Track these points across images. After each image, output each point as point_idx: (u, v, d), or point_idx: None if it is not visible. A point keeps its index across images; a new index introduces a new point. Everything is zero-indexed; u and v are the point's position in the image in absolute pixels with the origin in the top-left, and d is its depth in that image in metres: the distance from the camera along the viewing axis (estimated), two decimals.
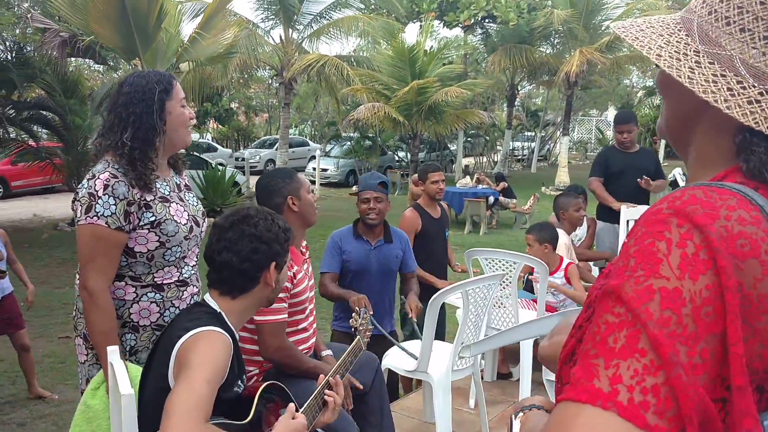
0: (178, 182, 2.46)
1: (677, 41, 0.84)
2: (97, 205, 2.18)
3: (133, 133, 2.25)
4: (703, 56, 0.81)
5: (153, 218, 2.26)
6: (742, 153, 0.80)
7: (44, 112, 11.63)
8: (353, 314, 2.75)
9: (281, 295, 2.56)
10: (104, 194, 2.19)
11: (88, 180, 2.23)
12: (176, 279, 2.34)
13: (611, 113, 35.34)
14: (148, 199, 2.26)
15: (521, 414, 1.05)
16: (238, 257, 1.91)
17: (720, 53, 0.80)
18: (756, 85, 0.77)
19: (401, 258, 3.90)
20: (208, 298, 1.95)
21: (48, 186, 16.01)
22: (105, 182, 2.20)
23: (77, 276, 2.34)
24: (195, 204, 2.50)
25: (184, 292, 2.37)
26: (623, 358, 0.67)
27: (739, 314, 0.68)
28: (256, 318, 2.51)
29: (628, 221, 5.29)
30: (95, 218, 2.17)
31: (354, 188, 19.65)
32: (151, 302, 2.29)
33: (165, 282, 2.31)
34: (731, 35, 0.80)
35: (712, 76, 0.79)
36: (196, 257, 2.46)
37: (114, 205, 2.19)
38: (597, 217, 5.74)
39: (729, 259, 0.69)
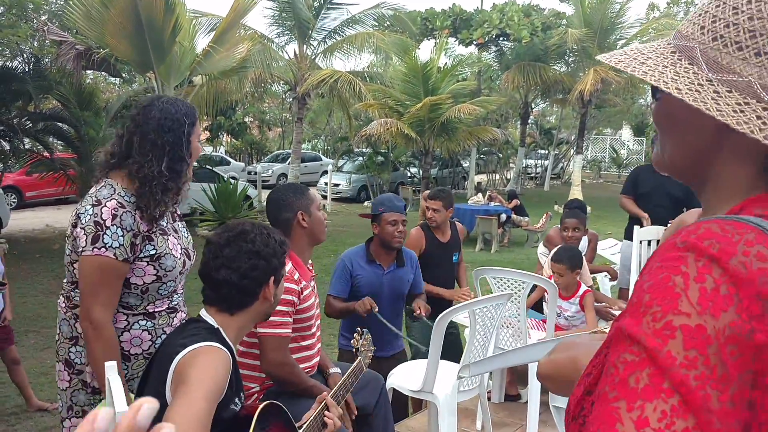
0: (171, 211, 2.41)
1: (684, 71, 0.79)
2: (104, 236, 2.11)
3: (168, 163, 2.20)
4: (718, 85, 0.76)
5: (154, 251, 2.21)
6: None
7: (59, 124, 11.74)
8: (354, 334, 2.71)
9: (287, 309, 2.52)
10: (112, 224, 2.12)
11: (93, 206, 2.15)
12: (167, 307, 2.31)
13: (626, 132, 35.23)
14: (150, 231, 2.21)
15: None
16: (237, 274, 1.88)
17: (736, 80, 0.75)
18: None
19: (412, 281, 3.84)
20: (204, 314, 1.92)
21: (61, 197, 16.10)
22: (113, 212, 2.13)
23: (62, 299, 2.31)
24: (186, 235, 2.45)
25: (174, 318, 2.33)
26: (648, 399, 0.62)
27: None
28: (260, 330, 2.48)
29: (641, 241, 5.24)
30: (103, 249, 2.11)
31: (365, 206, 19.64)
32: (143, 330, 2.25)
33: (156, 310, 2.27)
34: (746, 60, 0.75)
35: (735, 105, 0.74)
36: (183, 286, 2.43)
37: (122, 236, 2.13)
38: (625, 236, 5.82)
39: (754, 298, 0.64)
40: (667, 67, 0.81)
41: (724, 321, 0.63)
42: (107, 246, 2.11)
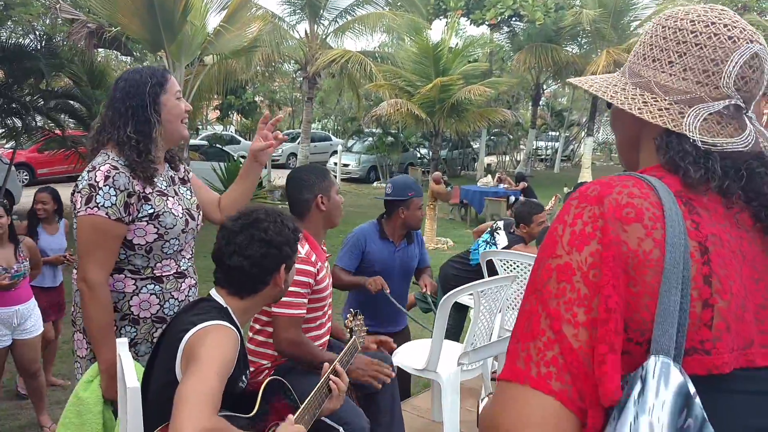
0: (173, 176, 2.48)
1: (615, 82, 1.07)
2: (97, 196, 2.18)
3: (134, 126, 2.27)
4: (630, 86, 1.04)
5: (152, 210, 2.27)
6: (660, 150, 0.99)
7: (71, 102, 11.77)
8: (348, 314, 2.76)
9: (302, 291, 2.57)
10: (105, 185, 2.19)
11: (88, 172, 2.23)
12: (174, 271, 2.36)
13: None
14: (147, 192, 2.28)
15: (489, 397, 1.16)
16: (249, 262, 1.92)
17: (640, 81, 1.03)
18: (666, 98, 0.99)
19: (418, 255, 3.92)
20: (215, 294, 1.97)
21: (72, 174, 16.16)
22: (106, 173, 2.20)
23: (75, 272, 2.35)
24: (189, 197, 2.51)
25: (182, 283, 2.39)
26: (531, 339, 0.87)
27: (613, 263, 0.84)
28: (275, 310, 2.52)
29: None
30: (95, 209, 2.18)
31: (374, 186, 19.61)
32: (151, 294, 2.30)
33: (164, 274, 2.33)
34: (647, 66, 1.03)
35: (631, 96, 1.02)
36: (192, 250, 2.49)
37: (114, 196, 2.19)
38: None
39: (614, 222, 0.86)
40: (608, 80, 1.09)
41: (586, 252, 0.86)
42: (99, 205, 2.18)
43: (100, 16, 10.07)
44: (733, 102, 0.96)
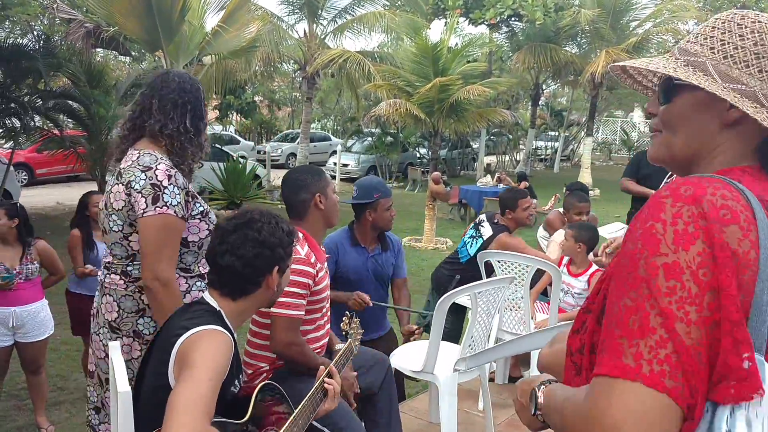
0: None
1: (704, 80, 1.02)
2: (164, 195, 2.22)
3: (191, 120, 2.33)
4: (735, 93, 1.00)
5: (202, 208, 2.37)
6: (763, 155, 1.03)
7: (69, 102, 11.74)
8: (344, 318, 2.74)
9: (301, 291, 2.55)
10: (169, 184, 2.23)
11: (144, 172, 2.24)
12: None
13: (637, 114, 34.92)
14: (193, 190, 2.37)
15: (543, 387, 1.14)
16: (241, 261, 1.90)
17: (744, 89, 1.00)
18: None
19: (395, 263, 3.81)
20: (208, 297, 1.95)
21: (71, 174, 16.17)
22: (167, 172, 2.25)
23: (117, 277, 2.37)
24: None
25: None
26: (641, 337, 0.86)
27: (729, 264, 0.86)
28: (273, 310, 2.50)
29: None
30: (165, 208, 2.22)
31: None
32: (199, 291, 2.37)
33: (204, 271, 2.40)
34: (751, 75, 1.01)
35: (750, 105, 1.00)
36: None
37: (178, 194, 2.25)
38: (628, 221, 5.76)
39: (715, 223, 0.87)
40: (689, 74, 1.04)
41: (693, 251, 0.87)
42: (168, 204, 2.23)
43: (98, 16, 10.05)
44: None
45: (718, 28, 1.05)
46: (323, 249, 2.88)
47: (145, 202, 2.23)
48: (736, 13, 1.05)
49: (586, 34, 20.56)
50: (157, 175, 2.24)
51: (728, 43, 1.03)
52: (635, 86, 1.27)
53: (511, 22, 22.11)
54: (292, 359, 2.58)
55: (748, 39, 1.01)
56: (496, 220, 4.61)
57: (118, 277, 2.36)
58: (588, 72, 18.25)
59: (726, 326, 0.84)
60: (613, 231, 6.55)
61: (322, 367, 2.17)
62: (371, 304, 3.46)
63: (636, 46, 18.34)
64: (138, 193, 2.23)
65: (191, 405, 1.52)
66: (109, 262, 2.39)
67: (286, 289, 2.48)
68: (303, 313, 2.59)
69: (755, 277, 0.87)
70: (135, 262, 2.35)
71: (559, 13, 19.71)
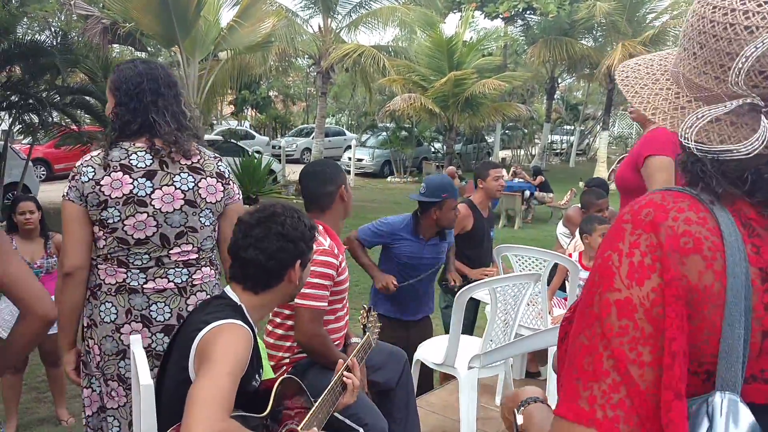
0: None
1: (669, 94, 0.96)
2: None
3: (183, 115, 2.32)
4: (664, 79, 0.97)
5: None
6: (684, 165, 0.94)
7: (86, 97, 11.82)
8: (361, 311, 2.75)
9: (325, 282, 2.56)
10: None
11: (221, 160, 2.39)
12: None
13: None
14: None
15: (522, 408, 1.12)
16: (264, 255, 1.90)
17: (673, 71, 0.95)
18: (688, 94, 0.92)
19: (447, 249, 4.02)
20: (229, 291, 1.95)
21: None
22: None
23: (207, 269, 2.36)
24: None
25: None
26: (595, 380, 0.82)
27: (675, 304, 0.80)
28: (297, 301, 2.51)
29: None
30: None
31: (388, 181, 19.55)
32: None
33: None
34: (679, 56, 0.94)
35: (664, 97, 0.95)
36: None
37: None
38: None
39: (673, 255, 0.81)
40: (656, 92, 0.98)
41: (647, 287, 0.81)
42: None
43: (114, 12, 10.10)
44: (748, 101, 0.84)
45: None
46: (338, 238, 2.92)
47: (237, 186, 2.39)
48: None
49: (602, 27, 20.42)
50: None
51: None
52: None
53: (525, 15, 22.02)
54: (314, 351, 2.58)
55: (686, 21, 0.96)
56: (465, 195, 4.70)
57: (208, 268, 2.35)
58: (604, 65, 18.14)
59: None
60: None
61: (341, 361, 2.17)
62: (394, 289, 3.66)
63: (653, 39, 18.19)
64: (232, 182, 2.36)
65: (211, 399, 1.52)
66: (195, 259, 2.30)
67: (311, 280, 2.49)
68: (326, 304, 2.59)
69: (720, 310, 0.81)
70: (215, 250, 2.40)
71: (574, 6, 19.59)
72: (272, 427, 1.84)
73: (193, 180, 2.25)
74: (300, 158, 23.63)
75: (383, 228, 3.80)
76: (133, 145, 2.21)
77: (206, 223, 2.28)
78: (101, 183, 2.15)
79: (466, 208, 4.37)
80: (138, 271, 2.21)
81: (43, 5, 9.52)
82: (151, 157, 2.20)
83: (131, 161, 2.19)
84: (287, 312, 2.64)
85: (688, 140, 0.86)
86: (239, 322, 1.78)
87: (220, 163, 2.35)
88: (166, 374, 1.87)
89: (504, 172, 4.49)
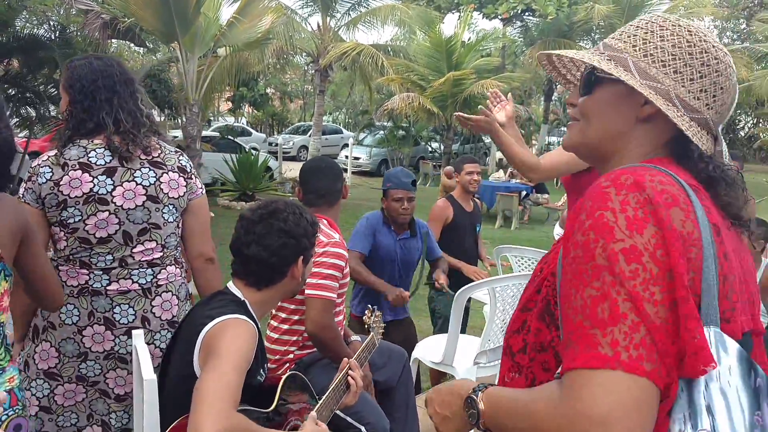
0: None
1: (624, 75, 1.07)
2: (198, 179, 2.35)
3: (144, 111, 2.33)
4: (650, 90, 1.05)
5: None
6: (673, 150, 1.08)
7: None
8: (366, 311, 2.75)
9: (336, 274, 2.57)
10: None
11: (180, 155, 2.33)
12: None
13: None
14: None
15: (480, 393, 1.09)
16: (267, 251, 1.91)
17: (659, 87, 1.05)
18: (685, 113, 1.05)
19: (421, 249, 3.90)
20: (232, 287, 1.96)
21: None
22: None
23: (173, 268, 2.31)
24: None
25: None
26: (614, 324, 0.86)
27: (677, 244, 0.89)
28: (309, 291, 2.51)
29: None
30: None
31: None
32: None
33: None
34: (666, 75, 1.06)
35: (664, 104, 1.04)
36: None
37: None
38: None
39: (661, 207, 0.91)
40: (611, 68, 1.08)
41: (647, 235, 0.89)
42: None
43: (115, 8, 10.08)
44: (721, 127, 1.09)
45: (642, 28, 1.10)
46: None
47: (200, 182, 2.33)
48: (659, 16, 1.11)
49: (601, 29, 20.45)
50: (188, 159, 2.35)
51: (649, 42, 1.08)
52: (559, 78, 1.33)
53: (524, 16, 22.05)
54: (324, 343, 2.57)
55: (667, 41, 1.07)
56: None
57: (173, 267, 2.31)
58: None
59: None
60: None
61: (345, 359, 2.17)
62: (407, 303, 3.58)
63: None
64: (193, 176, 2.31)
65: (218, 394, 1.53)
66: (159, 258, 2.25)
67: (324, 271, 2.50)
68: (336, 296, 2.60)
69: (701, 254, 0.92)
70: (179, 248, 2.36)
71: (573, 8, 19.62)
72: (277, 421, 1.85)
73: (154, 175, 2.20)
74: (297, 156, 23.61)
75: (365, 223, 3.73)
76: (91, 142, 2.16)
77: (169, 219, 2.24)
78: (60, 183, 2.10)
79: (444, 201, 4.43)
80: (101, 272, 2.16)
81: None
82: (110, 154, 2.15)
83: (90, 159, 2.13)
84: (292, 307, 2.64)
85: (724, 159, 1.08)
86: (244, 317, 1.79)
87: (181, 158, 2.30)
88: (170, 368, 1.87)
89: (478, 167, 4.44)
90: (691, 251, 0.91)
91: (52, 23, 11.63)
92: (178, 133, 14.68)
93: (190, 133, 10.94)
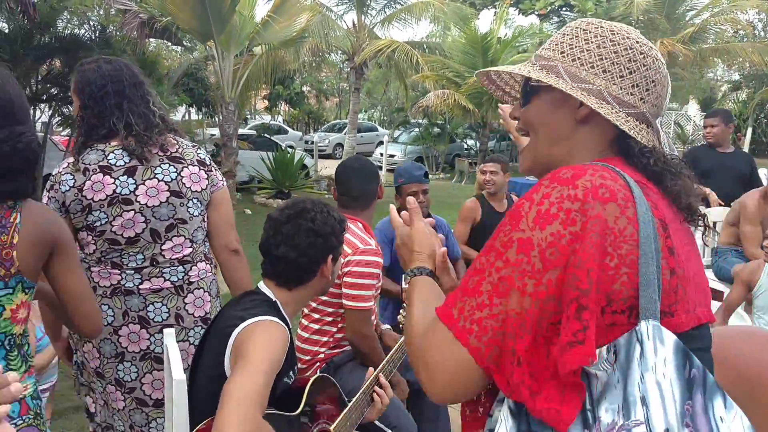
0: None
1: (555, 81, 1.11)
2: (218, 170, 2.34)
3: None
4: (582, 92, 1.09)
5: None
6: (619, 148, 1.11)
7: None
8: (401, 310, 2.72)
9: (374, 282, 2.55)
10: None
11: (197, 148, 2.33)
12: None
13: (692, 107, 33.98)
14: None
15: (410, 277, 1.27)
16: (296, 251, 1.89)
17: (591, 88, 1.10)
18: (620, 109, 1.09)
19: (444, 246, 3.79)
20: (263, 287, 1.95)
21: None
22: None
23: (203, 264, 2.31)
24: None
25: None
26: (469, 296, 1.01)
27: (594, 241, 0.93)
28: (348, 303, 2.51)
29: (714, 223, 4.98)
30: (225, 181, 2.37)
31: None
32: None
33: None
34: (597, 75, 1.10)
35: (597, 103, 1.09)
36: None
37: None
38: None
39: (593, 202, 0.95)
40: (541, 76, 1.13)
41: (547, 231, 0.95)
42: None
43: (152, 7, 10.21)
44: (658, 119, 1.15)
45: (567, 35, 1.15)
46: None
47: (220, 174, 2.33)
48: (582, 21, 1.16)
49: (640, 24, 20.04)
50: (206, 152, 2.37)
51: (575, 47, 1.13)
52: (504, 96, 1.37)
53: (561, 12, 21.76)
54: (362, 351, 2.59)
55: (592, 42, 1.12)
56: None
57: (203, 264, 2.31)
58: None
59: (574, 294, 0.92)
60: None
61: (371, 369, 2.14)
62: None
63: (692, 37, 17.78)
64: (213, 168, 2.31)
65: (245, 396, 1.52)
66: (189, 254, 2.25)
67: (361, 281, 2.49)
68: (373, 303, 2.59)
69: (635, 250, 0.95)
70: (206, 243, 2.34)
71: (612, 3, 19.28)
72: (305, 424, 1.83)
73: (175, 170, 2.21)
74: (332, 153, 23.67)
75: (380, 235, 3.55)
76: (108, 144, 2.17)
77: (195, 213, 2.24)
78: (83, 188, 2.11)
79: (474, 201, 4.38)
80: (132, 271, 2.17)
81: (83, 0, 9.66)
82: (128, 154, 2.16)
83: (110, 161, 2.14)
84: (324, 308, 2.63)
85: (667, 148, 1.14)
86: (275, 318, 1.77)
87: (199, 151, 2.31)
88: (199, 368, 1.87)
89: (494, 166, 4.31)
90: (620, 247, 0.95)
91: (92, 23, 11.84)
92: (216, 131, 14.84)
93: (227, 131, 11.03)
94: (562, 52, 1.14)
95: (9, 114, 1.54)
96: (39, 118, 11.86)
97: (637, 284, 0.94)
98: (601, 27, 1.13)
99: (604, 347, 0.93)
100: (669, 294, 0.98)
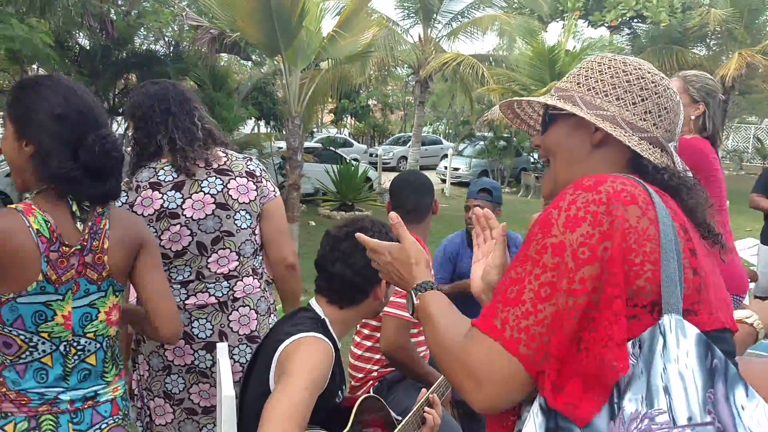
0: None
1: (573, 108, 1.21)
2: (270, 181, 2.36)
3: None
4: (597, 117, 1.19)
5: None
6: (635, 169, 1.18)
7: None
8: None
9: None
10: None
11: (250, 160, 2.33)
12: None
13: None
14: None
15: (419, 293, 1.29)
16: (352, 270, 1.87)
17: (605, 114, 1.19)
18: (633, 133, 1.18)
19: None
20: (314, 304, 1.93)
21: None
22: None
23: (251, 279, 2.30)
24: None
25: None
26: (512, 306, 1.04)
27: (626, 239, 0.99)
28: (386, 309, 2.46)
29: None
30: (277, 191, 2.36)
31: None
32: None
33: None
34: (610, 102, 1.20)
35: (611, 127, 1.17)
36: None
37: None
38: (762, 239, 5.47)
39: (616, 204, 1.02)
40: (559, 104, 1.23)
41: (578, 233, 1.01)
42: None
43: (222, 23, 10.48)
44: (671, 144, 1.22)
45: (583, 68, 1.26)
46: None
47: (272, 185, 2.32)
48: (597, 55, 1.27)
49: (717, 35, 19.36)
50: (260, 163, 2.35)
51: (591, 78, 1.24)
52: (525, 128, 1.46)
53: (633, 23, 21.23)
54: (398, 362, 2.52)
55: (606, 73, 1.22)
56: None
57: (251, 278, 2.30)
58: (718, 75, 17.13)
59: (615, 291, 0.99)
60: (744, 247, 6.10)
61: (423, 390, 2.09)
62: None
63: None
64: (263, 179, 2.29)
65: (285, 414, 1.50)
66: (236, 268, 2.25)
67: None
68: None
69: (658, 248, 1.01)
70: (257, 257, 2.34)
71: (687, 13, 18.68)
72: None
73: (221, 182, 2.22)
74: (396, 166, 23.74)
75: (441, 254, 3.59)
76: (159, 162, 2.22)
77: (242, 226, 2.24)
78: (134, 204, 2.16)
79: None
80: (179, 286, 2.20)
81: (158, 16, 10.01)
82: (175, 170, 2.20)
83: (159, 177, 2.19)
84: (375, 323, 2.60)
85: (680, 168, 1.20)
86: (321, 335, 1.75)
87: (249, 163, 2.30)
88: (249, 385, 1.86)
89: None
90: (644, 245, 1.00)
91: (166, 39, 12.25)
92: (283, 144, 15.11)
93: (292, 144, 11.18)
94: (578, 83, 1.25)
95: (92, 119, 1.63)
96: (116, 130, 12.33)
97: (660, 281, 0.99)
98: (615, 60, 1.24)
99: (629, 342, 0.98)
100: (692, 293, 1.03)
